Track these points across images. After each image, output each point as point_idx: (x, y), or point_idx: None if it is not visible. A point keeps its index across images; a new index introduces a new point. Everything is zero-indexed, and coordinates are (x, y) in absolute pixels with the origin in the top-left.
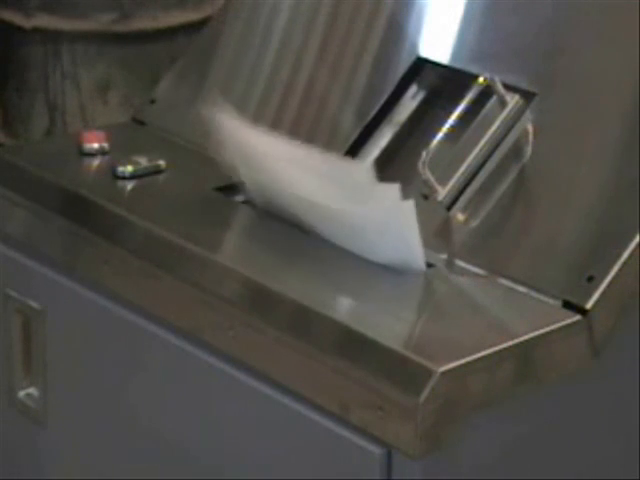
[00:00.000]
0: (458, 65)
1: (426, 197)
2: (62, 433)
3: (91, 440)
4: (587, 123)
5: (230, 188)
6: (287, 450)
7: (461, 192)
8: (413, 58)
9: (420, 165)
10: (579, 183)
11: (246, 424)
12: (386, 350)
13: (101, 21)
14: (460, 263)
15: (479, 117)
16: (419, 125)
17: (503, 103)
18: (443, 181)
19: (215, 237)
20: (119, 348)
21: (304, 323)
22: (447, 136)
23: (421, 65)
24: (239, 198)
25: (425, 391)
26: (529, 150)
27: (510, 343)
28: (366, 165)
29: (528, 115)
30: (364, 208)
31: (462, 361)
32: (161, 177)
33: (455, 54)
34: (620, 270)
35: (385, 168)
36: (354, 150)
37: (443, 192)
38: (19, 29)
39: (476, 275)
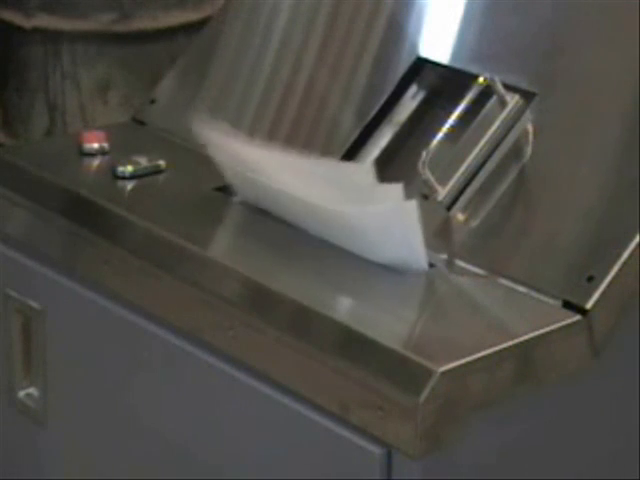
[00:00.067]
0: (458, 65)
1: (426, 197)
2: (62, 433)
3: (91, 440)
4: (587, 123)
5: (230, 188)
6: (287, 450)
7: (461, 192)
8: (413, 58)
9: (420, 165)
10: (579, 183)
11: (246, 424)
12: (386, 350)
13: (101, 21)
14: (460, 263)
15: (479, 117)
16: (419, 125)
17: (503, 103)
18: (443, 181)
19: (215, 237)
20: (119, 348)
21: (304, 323)
22: (447, 136)
23: (421, 65)
24: (239, 198)
25: (425, 391)
26: (529, 150)
27: (510, 343)
28: (367, 166)
29: (528, 115)
30: (366, 209)
31: (462, 361)
32: (161, 177)
33: (455, 54)
34: (620, 270)
35: (385, 168)
36: (354, 150)
37: (443, 192)
38: (19, 29)
39: (476, 275)
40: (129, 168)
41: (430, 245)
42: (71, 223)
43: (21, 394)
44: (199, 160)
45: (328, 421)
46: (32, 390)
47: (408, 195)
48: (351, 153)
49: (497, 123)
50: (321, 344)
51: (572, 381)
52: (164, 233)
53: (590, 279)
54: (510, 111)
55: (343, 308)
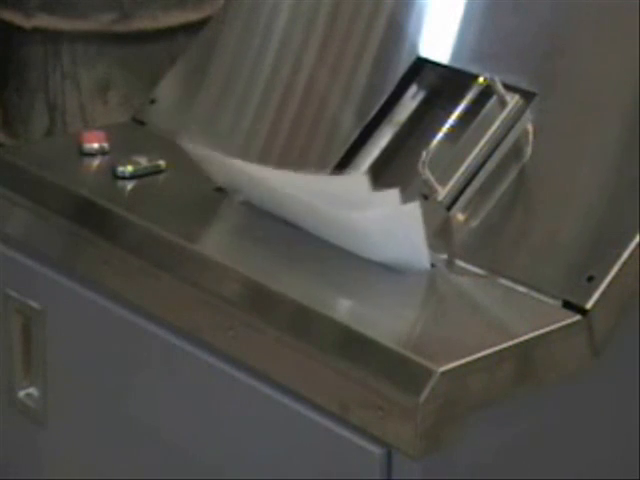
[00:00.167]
0: (458, 65)
1: (426, 197)
2: (62, 433)
3: (91, 440)
4: (587, 123)
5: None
6: (287, 450)
7: (461, 192)
8: (413, 58)
9: (420, 165)
10: (579, 183)
11: (246, 424)
12: (386, 350)
13: (101, 21)
14: (460, 263)
15: (479, 117)
16: (419, 125)
17: (503, 103)
18: (443, 181)
19: (215, 237)
20: (119, 348)
21: (304, 323)
22: (447, 136)
23: (421, 65)
24: (239, 198)
25: (425, 391)
26: (529, 150)
27: (510, 343)
28: (361, 176)
29: (528, 115)
30: (369, 213)
31: (462, 361)
32: (161, 177)
33: (455, 54)
34: (620, 270)
35: (385, 168)
36: (354, 150)
37: (443, 192)
38: (19, 29)
39: (476, 275)
40: (129, 168)
41: (430, 245)
42: (71, 223)
43: (21, 394)
44: None
45: (328, 421)
46: (32, 390)
47: (408, 195)
48: (351, 153)
49: (497, 123)
50: (321, 344)
51: (572, 381)
52: (164, 233)
53: (590, 279)
54: (510, 111)
55: (343, 308)
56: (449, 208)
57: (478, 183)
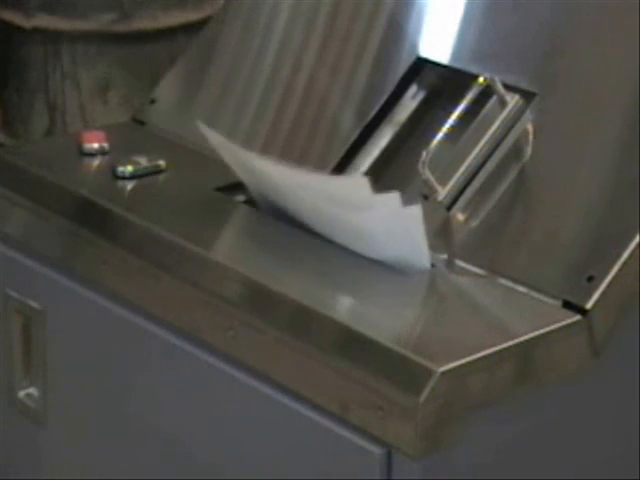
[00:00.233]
0: (458, 65)
1: (426, 197)
2: (62, 433)
3: (91, 440)
4: (587, 123)
5: (230, 188)
6: (287, 450)
7: (461, 192)
8: (413, 58)
9: (420, 165)
10: (579, 183)
11: (246, 424)
12: (386, 350)
13: (101, 21)
14: (460, 263)
15: (479, 117)
16: (419, 125)
17: (503, 103)
18: (443, 181)
19: (215, 237)
20: (119, 348)
21: (304, 323)
22: (447, 136)
23: (421, 65)
24: (239, 198)
25: (425, 391)
26: (529, 150)
27: (510, 343)
28: (362, 179)
29: (528, 115)
30: (371, 214)
31: (462, 361)
32: (161, 177)
33: (455, 54)
34: (620, 270)
35: (385, 168)
36: (354, 150)
37: (443, 192)
38: (19, 29)
39: (476, 275)
40: (129, 168)
41: (430, 245)
42: (71, 223)
43: (21, 394)
44: (199, 160)
45: (328, 421)
46: (32, 390)
47: (408, 195)
48: (351, 153)
49: (497, 123)
50: (321, 344)
51: (572, 381)
52: (164, 233)
53: (590, 279)
54: (510, 111)
55: (343, 308)
56: (449, 208)
57: (478, 183)
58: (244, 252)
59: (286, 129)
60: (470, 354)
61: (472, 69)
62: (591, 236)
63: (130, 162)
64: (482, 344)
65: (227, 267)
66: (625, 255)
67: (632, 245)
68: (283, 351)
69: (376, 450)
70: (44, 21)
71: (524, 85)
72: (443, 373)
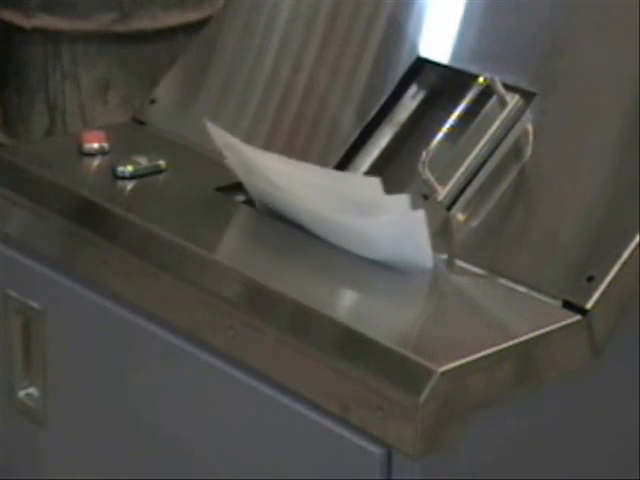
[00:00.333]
0: (458, 65)
1: (426, 197)
2: (62, 433)
3: (91, 440)
4: (587, 123)
5: (230, 188)
6: (287, 450)
7: (461, 192)
8: (413, 58)
9: (420, 165)
10: (579, 183)
11: (246, 424)
12: (386, 350)
13: (101, 21)
14: (460, 263)
15: (479, 117)
16: (419, 125)
17: (503, 103)
18: (443, 181)
19: (215, 237)
20: (119, 348)
21: (304, 323)
22: (447, 136)
23: (421, 65)
24: (239, 198)
25: (425, 391)
26: (529, 150)
27: (510, 343)
28: (374, 180)
29: (528, 115)
30: (374, 219)
31: (462, 361)
32: (161, 177)
33: (455, 54)
34: (620, 270)
35: (385, 168)
36: (354, 150)
37: (443, 192)
38: (19, 29)
39: (476, 275)
40: (129, 168)
41: (430, 245)
42: (71, 223)
43: (21, 394)
44: (199, 160)
45: (328, 421)
46: (32, 390)
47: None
48: (351, 153)
49: (497, 123)
50: (321, 344)
51: (572, 381)
52: (164, 233)
53: (590, 279)
54: (510, 111)
55: (343, 308)
56: (449, 208)
57: (478, 183)
58: (244, 252)
59: (286, 129)
60: (470, 354)
61: (472, 69)
62: (591, 236)
63: (130, 162)
64: (482, 344)
65: (227, 267)
66: (625, 255)
67: (632, 245)
68: (283, 351)
69: (376, 450)
70: (44, 21)
71: (524, 85)
72: (443, 373)
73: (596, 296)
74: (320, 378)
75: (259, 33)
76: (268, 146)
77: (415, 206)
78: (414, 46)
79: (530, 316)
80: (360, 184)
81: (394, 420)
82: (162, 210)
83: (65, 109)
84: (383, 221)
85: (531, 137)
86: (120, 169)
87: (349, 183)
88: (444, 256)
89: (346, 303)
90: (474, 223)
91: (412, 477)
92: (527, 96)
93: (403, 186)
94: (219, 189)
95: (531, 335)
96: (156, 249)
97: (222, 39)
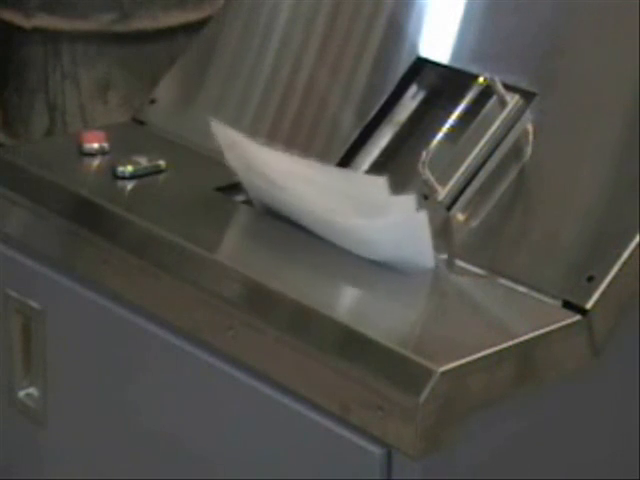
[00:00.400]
0: (458, 65)
1: (426, 197)
2: (62, 433)
3: (91, 440)
4: (587, 123)
5: (230, 188)
6: (287, 450)
7: (461, 192)
8: (413, 58)
9: (420, 165)
10: (579, 183)
11: (246, 424)
12: (386, 350)
13: (101, 21)
14: (460, 263)
15: (479, 117)
16: (419, 125)
17: (503, 103)
18: (443, 181)
19: (215, 237)
20: (119, 348)
21: (304, 323)
22: (447, 136)
23: (421, 65)
24: (239, 198)
25: (425, 391)
26: (529, 150)
27: (510, 343)
28: (381, 180)
29: (528, 115)
30: (377, 222)
31: (462, 361)
32: (161, 177)
33: (455, 54)
34: (620, 270)
35: (385, 168)
36: (354, 150)
37: (443, 192)
38: (19, 29)
39: (476, 275)
40: (129, 168)
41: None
42: (71, 223)
43: (21, 394)
44: (199, 160)
45: (328, 421)
46: (32, 390)
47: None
48: (351, 153)
49: (497, 123)
50: (321, 344)
51: (572, 381)
52: (164, 233)
53: (590, 279)
54: (510, 111)
55: (343, 308)
56: (449, 208)
57: (478, 183)
58: (244, 252)
59: (286, 129)
60: (470, 354)
61: (472, 69)
62: (591, 236)
63: (130, 162)
64: (482, 344)
65: (227, 267)
66: (625, 255)
67: (632, 245)
68: (283, 351)
69: (376, 450)
70: (44, 21)
71: (524, 85)
72: (443, 373)
73: (596, 296)
74: (320, 378)
75: (259, 33)
76: (268, 146)
77: (416, 206)
78: (414, 46)
79: (530, 316)
80: (366, 183)
81: (394, 420)
82: (162, 210)
83: (65, 109)
84: (385, 223)
85: (531, 137)
86: (120, 169)
87: (355, 182)
88: (444, 256)
89: (346, 303)
90: (474, 223)
91: (412, 477)
92: (527, 96)
93: (403, 186)
94: (219, 189)
95: (531, 335)
96: (156, 249)
97: (222, 39)
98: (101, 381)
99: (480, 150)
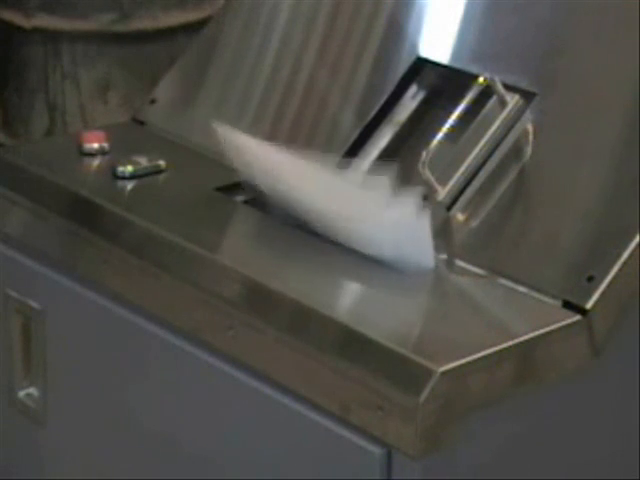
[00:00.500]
0: (458, 65)
1: (426, 197)
2: (62, 433)
3: (91, 440)
4: (587, 123)
5: (230, 188)
6: (287, 450)
7: (461, 192)
8: (413, 58)
9: (420, 165)
10: (579, 183)
11: (246, 424)
12: (386, 350)
13: (101, 21)
14: (460, 263)
15: (479, 117)
16: (419, 125)
17: (503, 103)
18: (443, 181)
19: (215, 237)
20: (119, 348)
21: (304, 323)
22: (447, 136)
23: (421, 65)
24: (239, 198)
25: (425, 391)
26: (529, 150)
27: (510, 343)
28: (385, 180)
29: (528, 115)
30: (378, 222)
31: (462, 361)
32: (161, 177)
33: (455, 54)
34: (620, 270)
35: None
36: (354, 150)
37: (443, 192)
38: (19, 29)
39: (476, 275)
40: (129, 168)
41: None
42: (71, 223)
43: (21, 394)
44: (199, 160)
45: (328, 421)
46: (32, 390)
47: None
48: (351, 153)
49: (497, 123)
50: (321, 344)
51: (572, 381)
52: (164, 233)
53: (590, 279)
54: (510, 111)
55: (343, 308)
56: (449, 208)
57: (478, 183)
58: (244, 252)
59: (286, 129)
60: (470, 354)
61: (472, 69)
62: (591, 236)
63: (130, 162)
64: (482, 344)
65: (227, 267)
66: (625, 255)
67: (632, 245)
68: (283, 351)
69: (376, 450)
70: (44, 21)
71: (524, 85)
72: (443, 373)
73: (596, 296)
74: (320, 378)
75: (259, 33)
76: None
77: (417, 206)
78: (414, 46)
79: (530, 316)
80: (368, 182)
81: (394, 420)
82: (162, 210)
83: (65, 109)
84: (387, 221)
85: (531, 137)
86: (120, 169)
87: (357, 181)
88: (444, 256)
89: (346, 303)
90: (474, 223)
91: (412, 477)
92: (527, 96)
93: (403, 186)
94: (219, 189)
95: (531, 335)
96: (156, 249)
97: (222, 39)
98: (101, 381)
99: (480, 150)
